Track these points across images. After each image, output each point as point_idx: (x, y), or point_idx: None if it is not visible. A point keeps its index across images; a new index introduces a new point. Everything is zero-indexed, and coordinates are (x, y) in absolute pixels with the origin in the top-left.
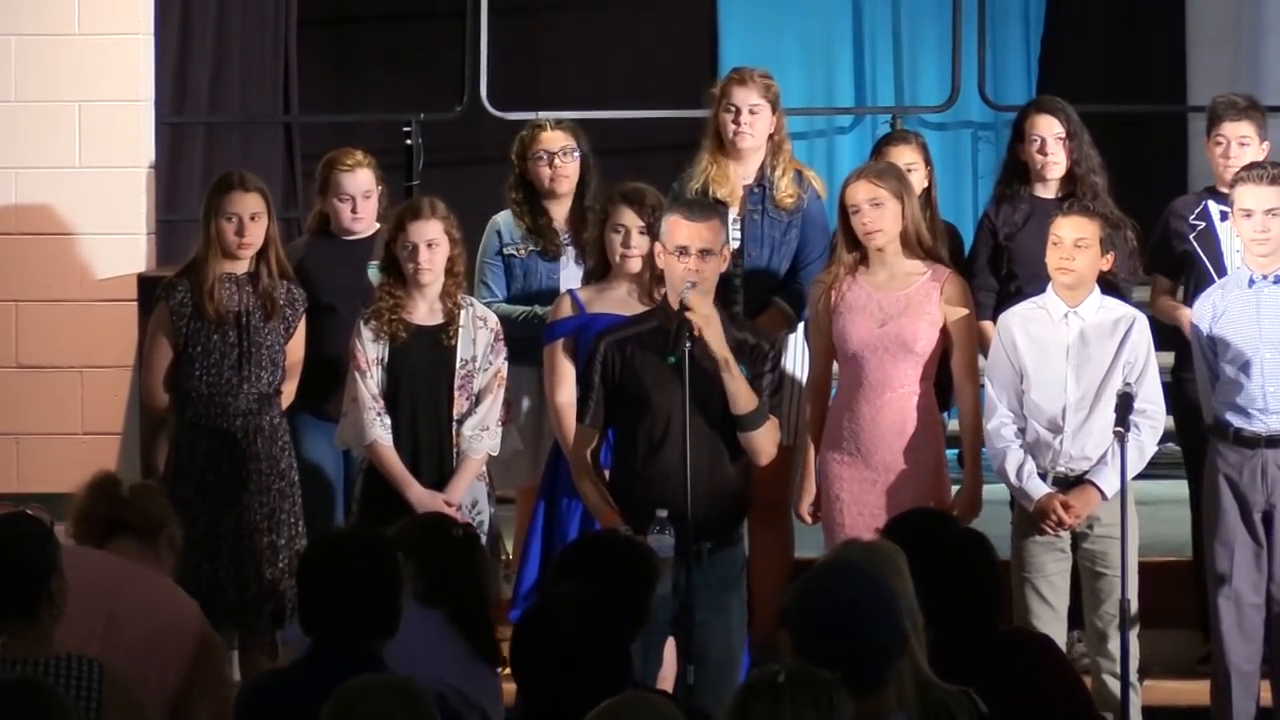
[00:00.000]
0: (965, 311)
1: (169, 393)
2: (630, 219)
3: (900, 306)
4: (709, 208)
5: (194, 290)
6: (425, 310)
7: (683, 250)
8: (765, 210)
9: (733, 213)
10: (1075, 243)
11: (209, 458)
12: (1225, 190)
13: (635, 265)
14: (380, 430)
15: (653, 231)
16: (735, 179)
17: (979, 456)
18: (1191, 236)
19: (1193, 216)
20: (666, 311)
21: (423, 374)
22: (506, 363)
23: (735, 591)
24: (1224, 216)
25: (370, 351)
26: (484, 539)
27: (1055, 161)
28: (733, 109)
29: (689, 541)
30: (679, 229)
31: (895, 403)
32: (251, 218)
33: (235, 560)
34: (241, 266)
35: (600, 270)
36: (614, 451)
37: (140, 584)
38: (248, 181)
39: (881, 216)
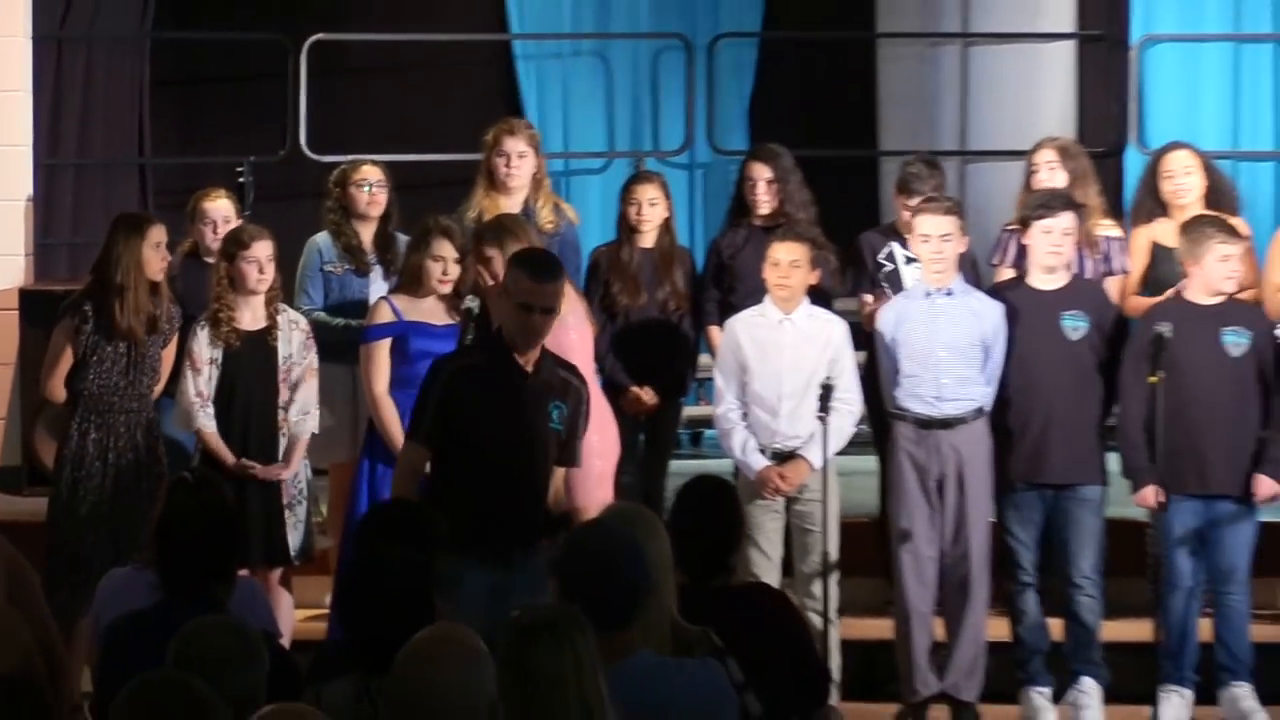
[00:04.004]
0: (576, 328)
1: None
2: (449, 251)
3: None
4: (555, 270)
5: (97, 311)
6: (251, 317)
7: (528, 308)
8: None
9: None
10: (790, 264)
11: (97, 447)
12: (908, 235)
13: (448, 289)
14: (204, 419)
15: (462, 263)
16: (504, 210)
17: None
18: (880, 276)
19: (881, 255)
20: (493, 345)
21: (254, 371)
22: (317, 357)
23: (545, 592)
24: (908, 260)
25: (206, 353)
26: (305, 503)
27: (764, 201)
28: (504, 155)
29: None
30: (527, 289)
31: None
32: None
33: (118, 534)
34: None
35: (411, 285)
36: (432, 468)
37: None
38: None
39: None
